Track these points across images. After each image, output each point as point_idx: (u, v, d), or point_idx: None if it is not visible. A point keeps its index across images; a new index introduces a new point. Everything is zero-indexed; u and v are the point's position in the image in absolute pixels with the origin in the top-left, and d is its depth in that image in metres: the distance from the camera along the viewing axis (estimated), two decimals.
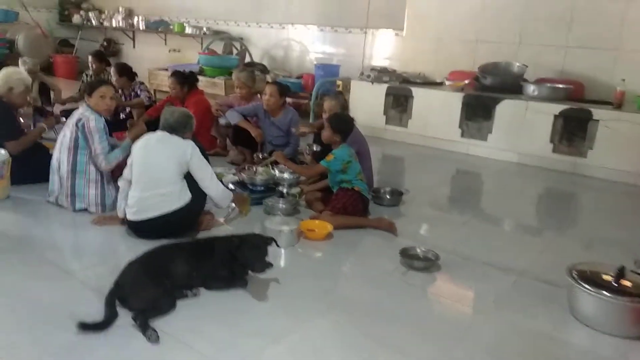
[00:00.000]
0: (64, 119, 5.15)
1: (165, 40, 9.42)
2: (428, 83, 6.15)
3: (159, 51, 9.48)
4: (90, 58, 5.80)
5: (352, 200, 3.36)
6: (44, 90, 5.85)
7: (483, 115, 5.49)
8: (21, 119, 4.21)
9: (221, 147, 4.91)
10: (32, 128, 4.39)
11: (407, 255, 2.84)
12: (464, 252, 3.05)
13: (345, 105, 3.90)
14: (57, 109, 5.52)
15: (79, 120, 3.23)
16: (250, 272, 2.42)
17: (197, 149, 2.96)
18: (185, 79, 4.77)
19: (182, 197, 2.84)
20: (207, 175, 2.95)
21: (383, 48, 7.24)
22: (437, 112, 5.78)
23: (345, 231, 3.20)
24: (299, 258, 2.89)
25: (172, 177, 2.83)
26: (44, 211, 3.31)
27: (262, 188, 3.69)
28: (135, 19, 9.57)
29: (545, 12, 5.66)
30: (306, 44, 8.02)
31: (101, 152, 3.21)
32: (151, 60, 9.18)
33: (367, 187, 3.53)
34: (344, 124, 3.47)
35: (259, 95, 4.80)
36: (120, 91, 5.23)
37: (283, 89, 4.41)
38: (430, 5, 6.44)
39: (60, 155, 3.30)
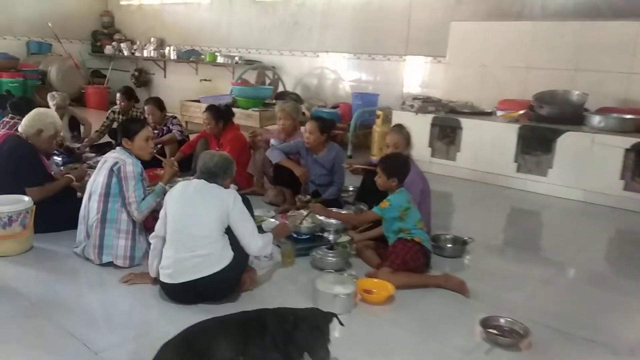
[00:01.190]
0: (92, 154, 4.98)
1: (196, 69, 9.28)
2: (477, 113, 5.71)
3: (190, 81, 9.34)
4: (118, 95, 5.45)
5: (412, 254, 2.93)
6: (74, 124, 5.67)
7: (542, 148, 5.01)
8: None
9: (258, 186, 4.56)
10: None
11: (489, 326, 2.39)
12: (556, 322, 2.55)
13: (410, 139, 3.50)
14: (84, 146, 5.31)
15: (115, 164, 2.92)
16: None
17: (240, 199, 2.59)
18: (221, 114, 4.46)
19: (224, 257, 2.46)
20: (248, 231, 2.56)
21: (423, 76, 6.87)
22: (489, 144, 5.33)
23: (405, 290, 2.76)
24: (358, 329, 2.42)
25: (212, 235, 2.46)
26: (69, 266, 2.98)
27: (308, 236, 3.31)
28: (167, 49, 9.49)
29: (605, 37, 5.20)
30: (340, 72, 7.71)
31: (135, 200, 2.89)
32: (182, 90, 9.03)
33: (428, 235, 3.11)
34: (398, 166, 3.07)
35: (301, 130, 4.43)
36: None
37: (325, 125, 4.03)
38: (475, 31, 6.05)
39: (89, 203, 2.99)
